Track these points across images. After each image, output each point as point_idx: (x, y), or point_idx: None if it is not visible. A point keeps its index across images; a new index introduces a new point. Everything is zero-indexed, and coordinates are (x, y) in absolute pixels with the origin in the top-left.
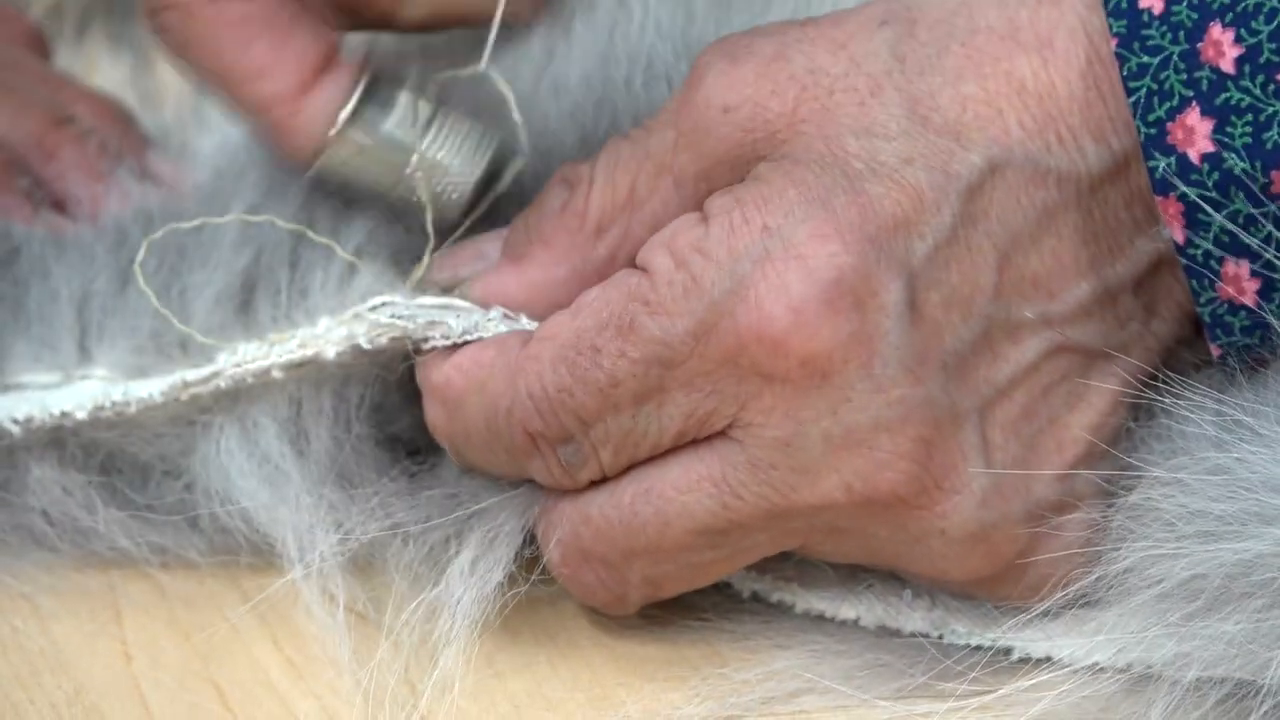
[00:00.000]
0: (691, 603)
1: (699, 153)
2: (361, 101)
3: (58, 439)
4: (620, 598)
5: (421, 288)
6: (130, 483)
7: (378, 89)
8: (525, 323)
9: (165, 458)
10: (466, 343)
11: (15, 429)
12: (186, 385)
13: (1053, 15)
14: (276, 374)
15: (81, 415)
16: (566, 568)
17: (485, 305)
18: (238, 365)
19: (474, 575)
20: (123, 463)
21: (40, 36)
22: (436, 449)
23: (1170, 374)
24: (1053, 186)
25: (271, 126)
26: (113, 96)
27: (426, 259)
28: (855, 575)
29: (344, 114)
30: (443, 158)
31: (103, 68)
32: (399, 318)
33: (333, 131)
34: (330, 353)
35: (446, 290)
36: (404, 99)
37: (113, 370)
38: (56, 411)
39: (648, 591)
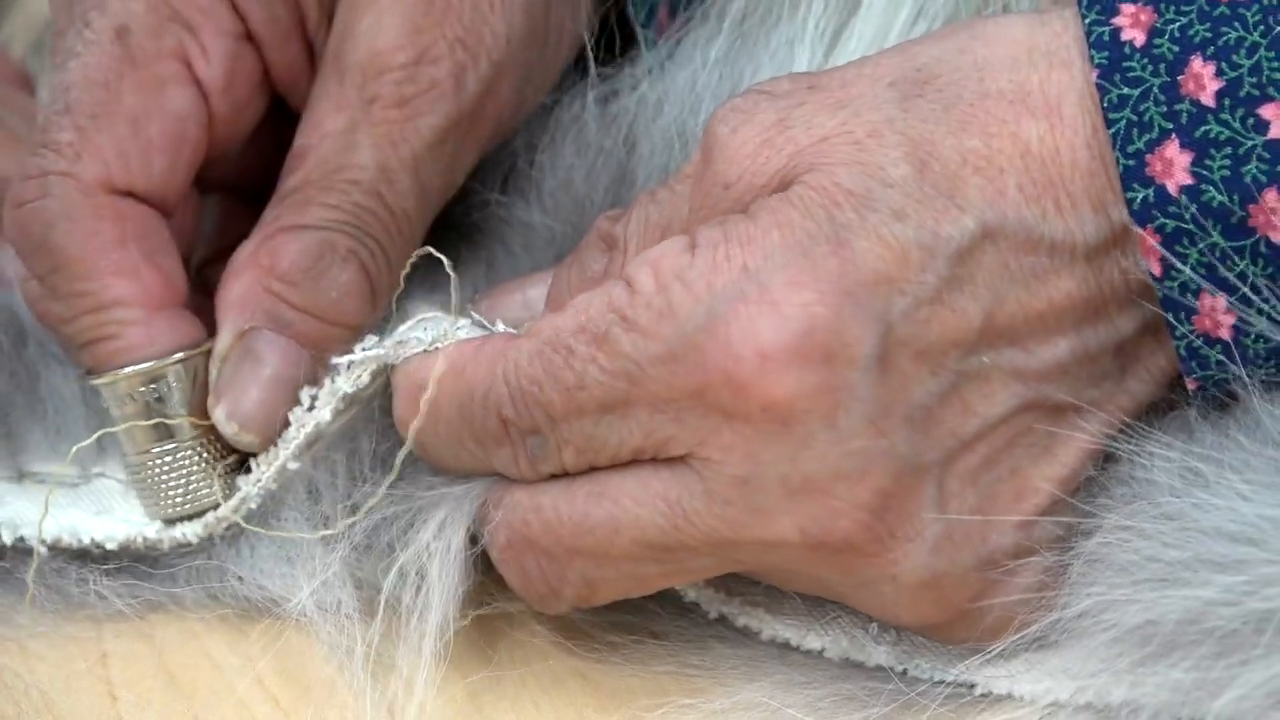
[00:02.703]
0: (661, 628)
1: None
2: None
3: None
4: (555, 592)
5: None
6: (143, 562)
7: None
8: (500, 327)
9: (184, 556)
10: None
11: (43, 549)
12: (220, 520)
13: (1063, 79)
14: (292, 465)
15: (111, 546)
16: (509, 552)
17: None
18: (258, 483)
19: (437, 568)
20: (139, 559)
21: (26, 76)
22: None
23: (1132, 422)
24: (1044, 254)
25: (100, 327)
26: None
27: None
28: (823, 605)
29: (165, 361)
30: (163, 471)
31: None
32: (367, 349)
33: (142, 366)
34: (326, 415)
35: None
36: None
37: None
38: (87, 540)
39: (583, 592)
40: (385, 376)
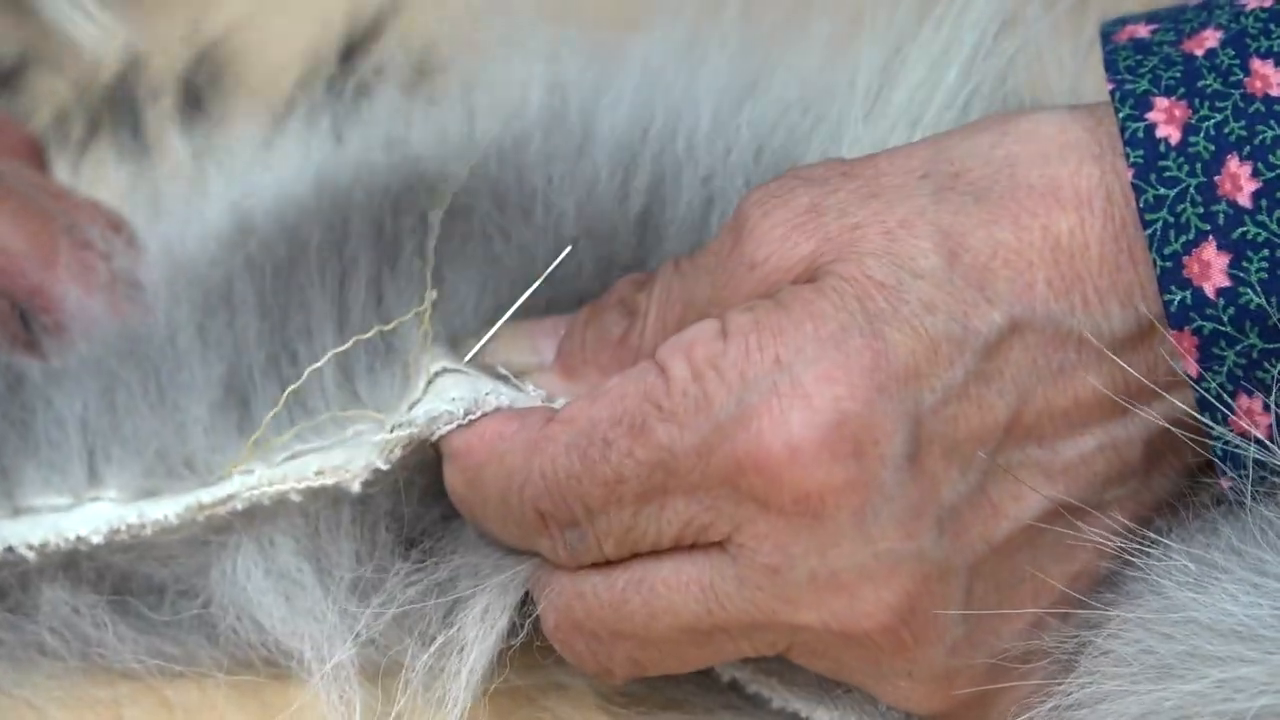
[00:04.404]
0: (672, 695)
1: (730, 306)
2: None
3: (72, 561)
4: (607, 669)
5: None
6: (145, 602)
7: None
8: (531, 394)
9: (180, 578)
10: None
11: (30, 554)
12: (202, 507)
13: (1094, 174)
14: (294, 498)
15: (97, 539)
16: (559, 633)
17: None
18: (253, 488)
19: (474, 651)
20: (136, 584)
21: (37, 147)
22: (440, 531)
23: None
24: (1072, 349)
25: None
26: (110, 207)
27: (480, 344)
28: (833, 679)
29: None
30: None
31: (109, 174)
32: (400, 427)
33: None
34: (356, 487)
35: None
36: None
37: (123, 492)
38: (71, 536)
39: (632, 670)
40: (418, 448)
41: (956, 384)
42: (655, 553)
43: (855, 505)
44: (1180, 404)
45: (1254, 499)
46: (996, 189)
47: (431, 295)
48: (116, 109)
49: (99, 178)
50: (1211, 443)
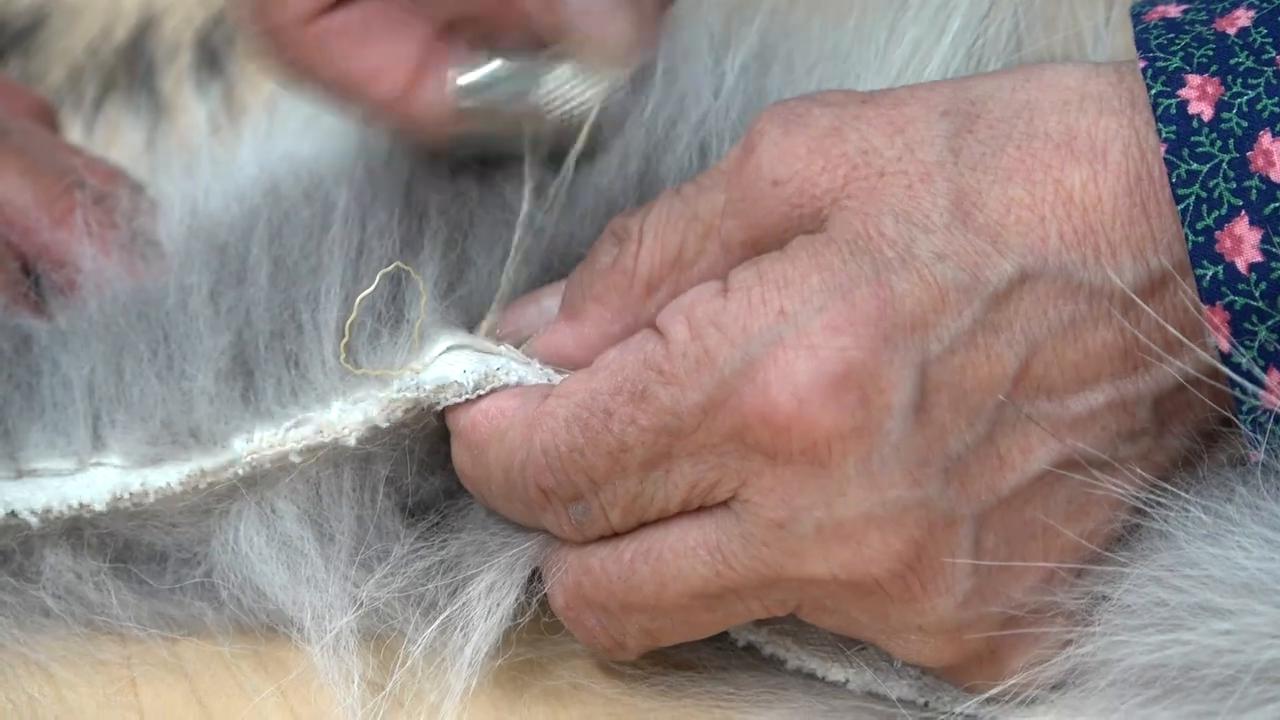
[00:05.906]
0: (686, 657)
1: (746, 221)
2: (466, 73)
3: (74, 528)
4: (619, 644)
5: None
6: (147, 570)
7: (477, 61)
8: (539, 370)
9: (182, 546)
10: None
11: (34, 520)
12: (204, 474)
13: (1111, 126)
14: (294, 459)
15: (100, 507)
16: (569, 611)
17: (540, 361)
18: (254, 452)
19: (481, 626)
20: (139, 552)
21: (49, 110)
22: (447, 506)
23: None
24: (1083, 301)
25: (396, 123)
26: (122, 167)
27: (493, 313)
28: (849, 638)
29: (461, 82)
30: (562, 85)
31: (123, 132)
32: (405, 389)
33: (454, 105)
34: (351, 440)
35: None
36: (500, 61)
37: (127, 459)
38: (75, 503)
39: (645, 641)
40: (419, 412)
41: (964, 333)
42: (662, 520)
43: (861, 453)
44: (1192, 361)
45: (1269, 454)
46: (1015, 136)
47: (398, 265)
48: (131, 68)
49: (113, 137)
50: (1242, 416)
